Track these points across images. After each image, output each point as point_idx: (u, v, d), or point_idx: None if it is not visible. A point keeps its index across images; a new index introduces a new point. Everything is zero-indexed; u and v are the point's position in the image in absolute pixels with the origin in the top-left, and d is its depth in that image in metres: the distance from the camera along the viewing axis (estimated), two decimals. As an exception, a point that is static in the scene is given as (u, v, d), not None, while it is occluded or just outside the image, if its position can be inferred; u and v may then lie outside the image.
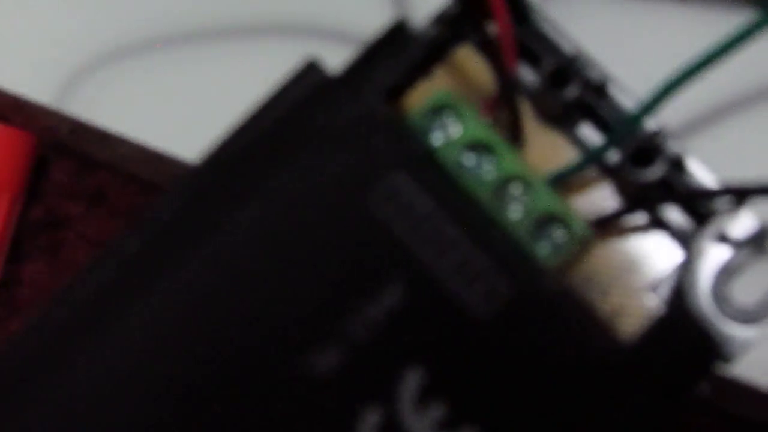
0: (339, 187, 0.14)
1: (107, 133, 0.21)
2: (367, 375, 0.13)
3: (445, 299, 0.13)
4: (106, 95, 0.22)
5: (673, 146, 0.15)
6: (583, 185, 0.16)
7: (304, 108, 0.14)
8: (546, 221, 0.15)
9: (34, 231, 0.24)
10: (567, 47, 0.16)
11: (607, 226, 0.15)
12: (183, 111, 0.22)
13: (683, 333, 0.14)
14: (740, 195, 0.15)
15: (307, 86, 0.14)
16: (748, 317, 0.15)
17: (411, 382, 0.13)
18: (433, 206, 0.13)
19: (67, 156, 0.22)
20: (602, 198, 0.16)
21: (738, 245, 0.15)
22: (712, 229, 0.15)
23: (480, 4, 0.16)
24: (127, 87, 0.22)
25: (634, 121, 0.15)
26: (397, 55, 0.15)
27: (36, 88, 0.22)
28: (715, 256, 0.15)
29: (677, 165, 0.15)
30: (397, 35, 0.15)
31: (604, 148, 0.15)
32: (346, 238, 0.13)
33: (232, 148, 0.14)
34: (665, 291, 0.15)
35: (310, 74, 0.14)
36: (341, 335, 0.13)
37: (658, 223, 0.16)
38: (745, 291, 0.15)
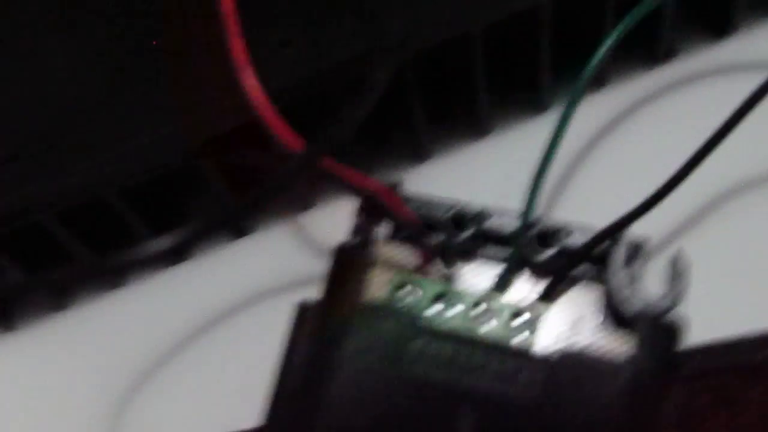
0: (381, 372, 0.16)
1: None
2: None
3: (501, 402, 0.15)
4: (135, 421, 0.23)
5: (556, 225, 0.19)
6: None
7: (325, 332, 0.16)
8: (513, 317, 0.17)
9: None
10: (444, 209, 0.19)
11: (552, 294, 0.18)
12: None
13: (657, 329, 0.16)
14: (614, 232, 0.18)
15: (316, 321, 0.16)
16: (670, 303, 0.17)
17: None
18: (451, 349, 0.16)
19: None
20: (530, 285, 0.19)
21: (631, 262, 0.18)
22: (613, 261, 0.18)
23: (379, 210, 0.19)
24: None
25: (526, 216, 0.18)
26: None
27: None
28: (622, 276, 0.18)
29: (564, 233, 0.19)
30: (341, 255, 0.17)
31: (516, 250, 0.18)
32: (411, 401, 0.15)
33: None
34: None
35: (302, 313, 0.17)
36: None
37: (575, 279, 0.18)
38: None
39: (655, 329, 0.16)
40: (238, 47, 0.17)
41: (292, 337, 0.17)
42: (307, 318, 0.17)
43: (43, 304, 0.24)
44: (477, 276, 0.19)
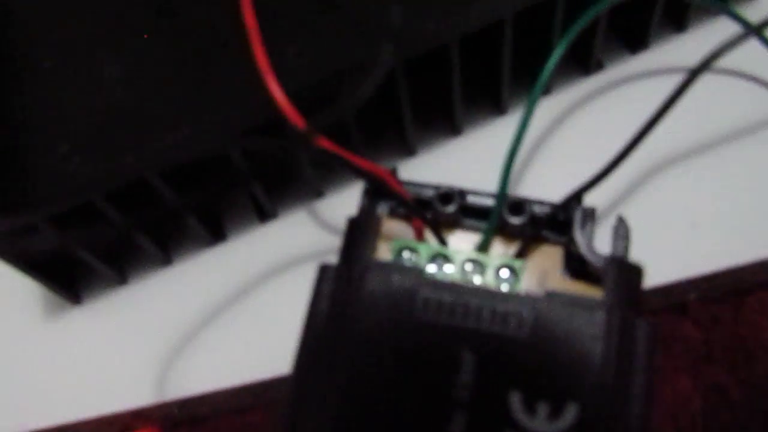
0: (393, 315, 0.13)
1: (200, 395, 0.20)
2: (488, 416, 0.13)
3: (499, 340, 0.13)
4: (182, 374, 0.20)
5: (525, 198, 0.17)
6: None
7: (344, 285, 0.14)
8: (498, 270, 0.15)
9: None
10: (433, 189, 0.17)
11: (523, 255, 0.16)
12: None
13: (622, 268, 0.14)
14: (574, 200, 0.16)
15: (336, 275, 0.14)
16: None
17: (516, 402, 0.13)
18: (453, 297, 0.14)
19: (185, 425, 0.21)
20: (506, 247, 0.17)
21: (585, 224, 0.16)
22: (576, 222, 0.16)
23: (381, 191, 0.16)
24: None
25: (502, 189, 0.16)
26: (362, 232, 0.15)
27: (134, 395, 0.20)
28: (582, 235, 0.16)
29: (531, 204, 0.16)
30: (353, 225, 0.15)
31: (495, 216, 0.16)
32: (418, 343, 0.13)
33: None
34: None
35: (327, 271, 0.15)
36: (456, 402, 0.13)
37: (543, 239, 0.16)
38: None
39: (623, 269, 0.14)
40: (260, 55, 0.15)
41: (316, 292, 0.15)
42: (327, 275, 0.15)
43: (106, 278, 0.21)
44: (461, 242, 0.17)
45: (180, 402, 0.20)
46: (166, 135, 0.17)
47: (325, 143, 0.15)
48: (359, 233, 0.15)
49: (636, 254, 0.16)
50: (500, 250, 0.17)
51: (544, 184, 0.20)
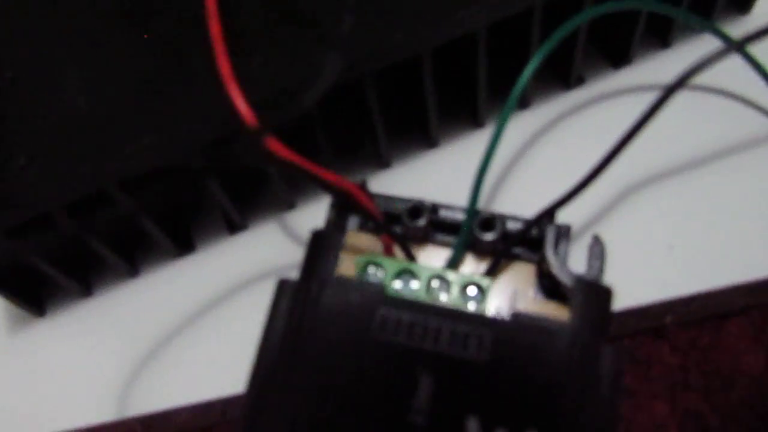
0: (349, 333, 0.13)
1: (166, 412, 0.19)
2: None
3: (458, 363, 0.13)
4: (146, 390, 0.20)
5: (496, 214, 0.16)
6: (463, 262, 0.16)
7: (302, 302, 0.13)
8: (464, 288, 0.15)
9: None
10: (403, 203, 0.17)
11: (493, 273, 0.16)
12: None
13: (589, 291, 0.13)
14: (544, 217, 0.16)
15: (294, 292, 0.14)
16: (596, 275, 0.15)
17: (473, 427, 0.12)
18: (412, 316, 0.13)
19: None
20: (476, 264, 0.16)
21: (559, 242, 0.16)
22: (548, 240, 0.15)
23: (349, 205, 0.16)
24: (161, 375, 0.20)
25: (472, 205, 0.15)
26: (326, 246, 0.15)
27: (96, 412, 0.20)
28: (555, 254, 0.15)
29: (502, 221, 0.16)
30: (317, 238, 0.15)
31: (465, 232, 0.16)
32: (374, 364, 0.13)
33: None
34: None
35: (285, 286, 0.14)
36: (411, 427, 0.12)
37: (515, 257, 0.16)
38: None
39: (590, 292, 0.14)
40: (223, 63, 0.15)
41: (273, 308, 0.14)
42: (285, 291, 0.14)
43: (70, 290, 0.21)
44: (432, 258, 0.16)
45: (143, 418, 0.20)
46: (126, 145, 0.17)
47: (287, 154, 0.15)
48: (321, 248, 0.15)
49: (612, 274, 0.16)
50: (471, 267, 0.16)
51: (521, 201, 0.20)
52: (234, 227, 0.21)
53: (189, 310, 0.20)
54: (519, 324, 0.13)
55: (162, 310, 0.20)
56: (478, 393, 0.12)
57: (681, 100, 0.17)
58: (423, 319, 0.13)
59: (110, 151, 0.17)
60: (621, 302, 0.18)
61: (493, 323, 0.13)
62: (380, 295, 0.13)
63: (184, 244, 0.21)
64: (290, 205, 0.21)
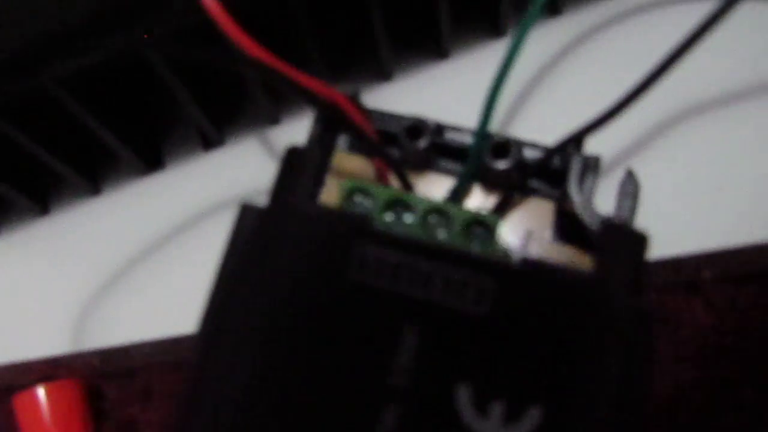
0: (320, 273, 0.11)
1: (127, 346, 0.17)
2: (427, 413, 0.10)
3: (451, 316, 0.11)
4: (106, 320, 0.18)
5: (511, 138, 0.14)
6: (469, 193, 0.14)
7: (266, 233, 0.11)
8: (467, 227, 0.12)
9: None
10: (401, 121, 0.14)
11: (504, 209, 0.13)
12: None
13: (620, 236, 0.11)
14: (573, 144, 0.13)
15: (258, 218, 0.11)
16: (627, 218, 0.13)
17: (464, 397, 0.10)
18: (398, 256, 0.11)
19: (105, 379, 0.18)
20: (484, 198, 0.14)
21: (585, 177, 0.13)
22: (573, 172, 0.13)
23: (338, 120, 0.13)
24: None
25: (482, 127, 0.13)
26: (303, 166, 0.12)
27: (52, 343, 0.18)
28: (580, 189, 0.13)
29: (519, 147, 0.14)
30: (293, 156, 0.12)
31: (474, 158, 0.13)
32: (348, 311, 0.10)
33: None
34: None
35: (248, 213, 0.12)
36: (390, 390, 0.10)
37: (532, 191, 0.14)
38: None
39: (621, 237, 0.11)
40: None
41: (233, 237, 0.12)
42: (247, 217, 0.12)
43: (24, 207, 0.19)
44: (432, 188, 0.14)
45: (102, 352, 0.18)
46: (74, 41, 0.14)
47: (257, 52, 0.12)
48: (296, 167, 0.12)
49: (643, 218, 0.13)
50: (478, 202, 0.14)
51: (542, 124, 0.18)
52: (209, 143, 0.19)
53: (155, 234, 0.18)
54: (530, 272, 0.10)
55: (125, 233, 0.19)
56: (472, 355, 0.10)
57: (745, 11, 0.14)
58: (413, 259, 0.11)
59: (44, 44, 0.14)
60: (651, 251, 0.16)
61: (498, 270, 0.10)
62: (364, 227, 0.11)
63: (151, 160, 0.19)
64: (273, 120, 0.19)
